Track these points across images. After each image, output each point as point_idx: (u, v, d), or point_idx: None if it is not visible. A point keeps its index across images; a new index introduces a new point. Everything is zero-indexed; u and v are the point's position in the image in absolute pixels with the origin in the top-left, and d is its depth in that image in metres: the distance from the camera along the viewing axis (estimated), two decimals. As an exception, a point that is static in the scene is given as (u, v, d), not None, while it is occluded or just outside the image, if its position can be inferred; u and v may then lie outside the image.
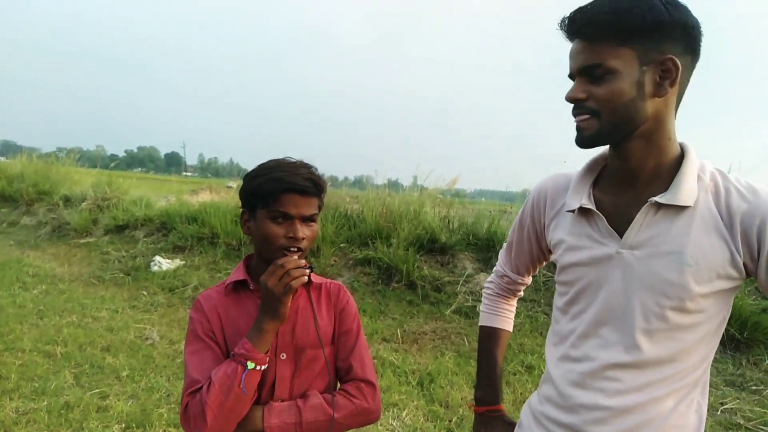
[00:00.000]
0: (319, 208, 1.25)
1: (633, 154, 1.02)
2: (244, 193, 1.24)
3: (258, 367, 1.13)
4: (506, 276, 1.41)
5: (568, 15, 1.00)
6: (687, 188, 0.97)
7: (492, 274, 1.48)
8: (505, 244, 1.42)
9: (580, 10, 0.98)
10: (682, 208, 0.98)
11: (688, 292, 0.97)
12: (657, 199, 0.98)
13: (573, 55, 1.01)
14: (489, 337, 1.42)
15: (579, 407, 1.07)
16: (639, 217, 1.01)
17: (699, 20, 0.97)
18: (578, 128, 1.03)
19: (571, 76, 1.03)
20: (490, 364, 1.39)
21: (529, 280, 1.43)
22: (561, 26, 1.01)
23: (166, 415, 3.17)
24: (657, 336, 1.00)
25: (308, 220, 1.22)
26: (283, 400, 1.22)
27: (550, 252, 1.26)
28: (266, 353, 1.15)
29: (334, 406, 1.23)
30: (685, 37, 0.96)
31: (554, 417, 1.13)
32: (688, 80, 1.01)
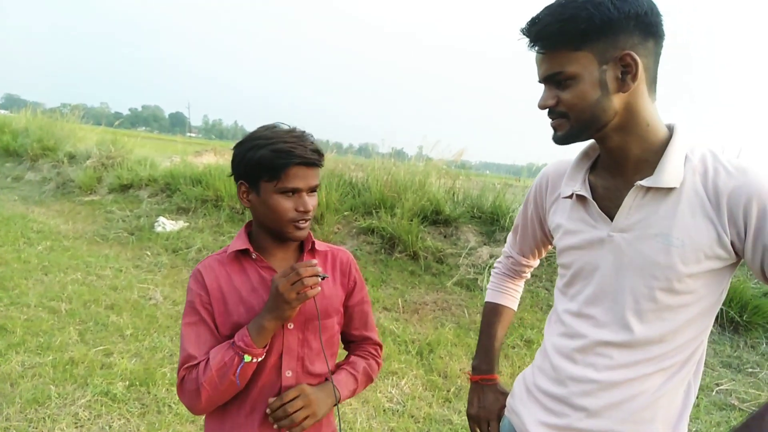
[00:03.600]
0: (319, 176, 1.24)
1: (613, 145, 1.05)
2: (245, 165, 1.17)
3: (254, 360, 1.15)
4: (512, 257, 1.47)
5: (522, 27, 1.02)
6: (671, 170, 0.99)
7: (501, 255, 1.53)
8: (512, 227, 1.46)
9: (532, 23, 1.01)
10: (669, 190, 1.00)
11: (676, 273, 0.98)
12: (642, 182, 1.01)
13: (537, 64, 1.06)
14: (492, 312, 1.48)
15: (569, 380, 1.12)
16: (627, 201, 1.04)
17: (652, 1, 0.97)
18: (553, 128, 1.07)
19: (540, 82, 1.06)
20: (489, 337, 1.46)
21: (534, 262, 1.48)
22: (522, 34, 1.03)
23: (168, 374, 3.22)
24: (647, 316, 1.03)
25: (313, 190, 1.21)
26: (291, 371, 1.23)
27: (552, 236, 1.29)
28: (264, 347, 1.16)
29: (334, 387, 1.27)
30: (640, 25, 0.96)
31: (545, 388, 1.17)
32: (656, 62, 1.02)
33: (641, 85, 1.00)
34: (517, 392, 1.28)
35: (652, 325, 1.03)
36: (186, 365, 1.18)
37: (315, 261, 1.14)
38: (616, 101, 0.99)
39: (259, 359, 1.16)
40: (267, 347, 1.17)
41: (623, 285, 1.05)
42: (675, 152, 1.00)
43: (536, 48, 1.02)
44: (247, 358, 1.13)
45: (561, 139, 1.06)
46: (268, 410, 1.18)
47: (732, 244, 0.97)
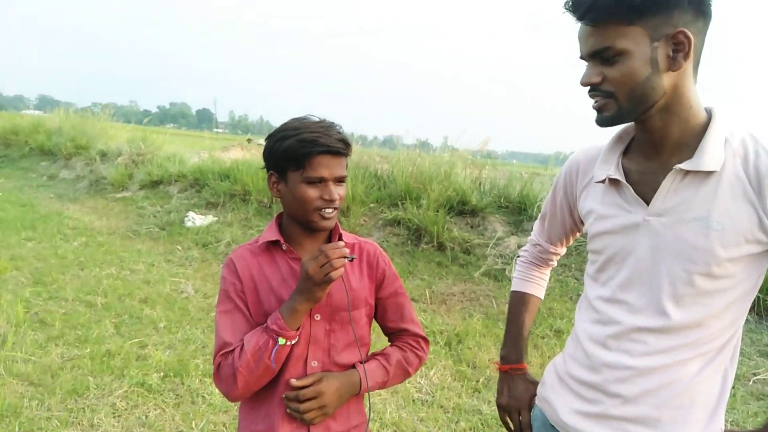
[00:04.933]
0: (346, 166, 1.24)
1: (655, 126, 1.02)
2: (273, 155, 1.20)
3: (288, 342, 1.16)
4: (539, 245, 1.45)
5: (567, 0, 0.98)
6: (712, 154, 0.96)
7: (527, 243, 1.50)
8: (539, 215, 1.44)
9: None
10: (708, 173, 0.97)
11: (715, 257, 0.96)
12: (682, 166, 0.98)
13: (582, 39, 1.01)
14: (519, 301, 1.46)
15: (603, 366, 1.09)
16: (665, 185, 1.01)
17: None
18: (597, 109, 1.03)
19: (583, 58, 1.02)
20: (517, 326, 1.43)
21: (562, 250, 1.45)
22: (566, 8, 0.99)
23: (201, 365, 3.29)
24: (684, 301, 1.00)
25: (340, 180, 1.21)
26: (317, 361, 1.24)
27: (582, 223, 1.27)
28: (297, 330, 1.17)
29: (366, 373, 1.27)
30: (694, 3, 0.93)
31: (578, 375, 1.16)
32: (702, 43, 0.98)
33: (689, 65, 0.97)
34: (548, 381, 1.27)
35: (689, 310, 1.00)
36: (222, 352, 1.20)
37: (342, 243, 1.15)
38: (666, 80, 0.96)
39: (293, 342, 1.17)
40: (300, 330, 1.18)
41: (660, 269, 1.02)
42: (715, 135, 0.98)
43: (584, 21, 0.97)
44: (281, 340, 1.15)
45: (607, 120, 1.02)
46: (284, 395, 1.19)
47: None
